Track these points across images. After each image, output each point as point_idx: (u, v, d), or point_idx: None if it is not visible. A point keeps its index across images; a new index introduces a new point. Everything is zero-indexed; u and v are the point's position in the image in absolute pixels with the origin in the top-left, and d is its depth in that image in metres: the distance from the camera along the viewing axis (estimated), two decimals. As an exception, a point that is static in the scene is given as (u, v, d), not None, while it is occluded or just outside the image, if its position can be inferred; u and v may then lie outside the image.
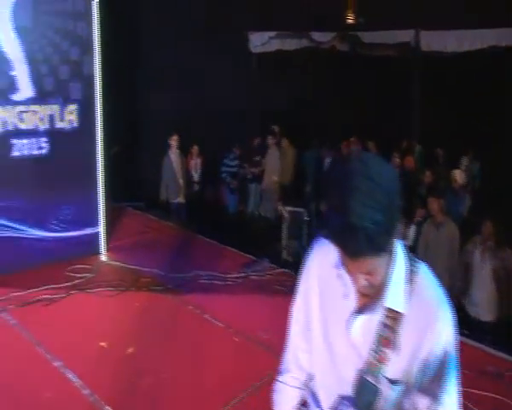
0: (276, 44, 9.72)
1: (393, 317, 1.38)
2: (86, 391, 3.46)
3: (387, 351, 1.39)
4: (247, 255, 5.84)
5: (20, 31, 4.96)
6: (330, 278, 1.47)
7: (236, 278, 5.23)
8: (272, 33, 9.60)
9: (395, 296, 1.38)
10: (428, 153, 8.38)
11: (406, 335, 1.38)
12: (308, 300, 1.56)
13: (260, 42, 9.63)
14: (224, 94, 7.97)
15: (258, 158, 7.95)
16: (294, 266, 5.72)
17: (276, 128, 8.53)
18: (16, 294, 4.67)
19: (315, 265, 1.56)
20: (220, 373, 3.69)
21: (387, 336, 1.39)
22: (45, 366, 3.73)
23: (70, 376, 3.61)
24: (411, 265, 1.41)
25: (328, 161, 8.27)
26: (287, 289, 4.90)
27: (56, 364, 3.74)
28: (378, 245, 1.25)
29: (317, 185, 7.70)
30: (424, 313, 1.38)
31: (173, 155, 7.00)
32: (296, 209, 6.87)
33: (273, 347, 3.84)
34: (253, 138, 8.28)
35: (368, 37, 8.99)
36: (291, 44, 9.71)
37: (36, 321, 4.30)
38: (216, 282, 5.11)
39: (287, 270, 5.49)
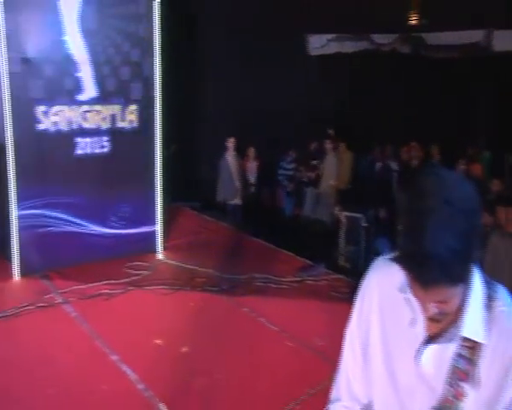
0: (334, 47, 9.61)
1: (471, 347, 1.23)
2: (141, 386, 3.49)
3: (465, 386, 1.24)
4: (303, 259, 5.75)
5: (86, 33, 5.15)
6: (394, 303, 1.33)
7: (291, 281, 5.15)
8: (331, 36, 9.50)
9: (472, 325, 1.23)
10: (497, 159, 7.94)
11: (487, 368, 1.23)
12: (366, 324, 1.42)
13: (319, 44, 9.56)
14: (282, 96, 7.94)
15: (315, 162, 7.86)
16: (351, 272, 5.59)
17: (332, 132, 8.41)
18: (77, 287, 4.84)
19: (375, 286, 1.42)
20: (273, 378, 3.63)
21: (465, 369, 1.24)
22: (103, 359, 3.81)
23: (126, 370, 3.66)
24: (489, 289, 1.26)
25: (379, 165, 8.04)
26: (343, 295, 4.79)
27: (113, 358, 3.81)
28: (454, 275, 1.12)
29: (374, 191, 7.49)
30: (508, 344, 1.22)
31: (230, 156, 7.05)
32: (354, 215, 6.69)
33: (328, 355, 3.74)
34: (309, 142, 8.20)
35: (432, 38, 8.68)
36: (350, 47, 9.57)
37: (95, 315, 4.43)
38: (271, 285, 5.05)
39: (343, 276, 5.35)
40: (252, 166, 7.57)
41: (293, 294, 4.91)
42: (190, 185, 7.49)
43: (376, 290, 1.40)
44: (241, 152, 7.35)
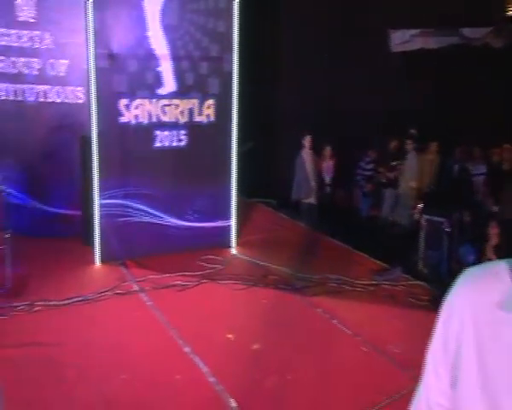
0: (418, 42, 9.20)
1: None
2: (212, 379, 3.50)
3: None
4: (379, 262, 5.54)
5: (167, 29, 5.30)
6: (495, 323, 1.15)
7: (367, 284, 4.98)
8: (415, 31, 9.11)
9: None
10: None
11: None
12: (456, 346, 1.23)
13: (401, 40, 9.20)
14: (361, 94, 7.73)
15: (395, 163, 7.56)
16: (431, 279, 5.30)
17: (414, 132, 8.05)
18: (153, 276, 4.98)
19: (466, 303, 1.22)
20: (345, 383, 3.51)
21: None
22: (176, 350, 3.87)
23: (198, 362, 3.70)
24: None
25: (457, 167, 7.56)
26: (421, 303, 4.58)
27: (186, 349, 3.86)
28: None
29: (456, 194, 7.06)
30: None
31: (306, 155, 6.97)
32: (436, 218, 6.33)
33: (404, 364, 3.58)
34: (389, 141, 7.90)
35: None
36: (436, 42, 9.12)
37: (169, 305, 4.52)
38: (345, 287, 4.91)
39: (422, 282, 5.09)
40: (328, 165, 7.43)
41: (369, 297, 4.76)
42: (266, 182, 7.48)
43: (468, 308, 1.22)
44: (317, 151, 7.23)
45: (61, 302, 4.44)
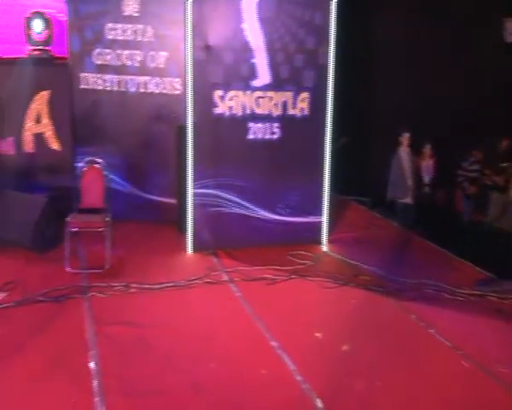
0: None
1: None
2: (299, 378, 3.45)
3: None
4: (484, 272, 5.15)
5: (263, 21, 5.33)
6: None
7: (469, 294, 4.65)
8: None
9: None
10: None
11: None
12: None
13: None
14: (467, 90, 7.24)
15: (505, 165, 6.99)
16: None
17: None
18: (243, 268, 5.05)
19: None
20: (440, 397, 3.29)
21: None
22: (263, 343, 3.87)
23: (285, 359, 3.66)
24: None
25: None
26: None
27: (273, 343, 3.85)
28: None
29: None
30: None
31: (403, 153, 6.68)
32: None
33: (513, 387, 3.25)
34: (499, 141, 7.32)
35: None
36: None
37: (258, 297, 4.54)
38: (443, 294, 4.63)
39: (536, 298, 4.65)
40: (427, 164, 7.05)
41: (471, 308, 4.44)
42: (359, 180, 7.29)
43: None
44: (415, 149, 6.90)
45: (154, 286, 4.65)
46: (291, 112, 5.52)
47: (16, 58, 5.93)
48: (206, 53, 5.22)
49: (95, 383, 3.35)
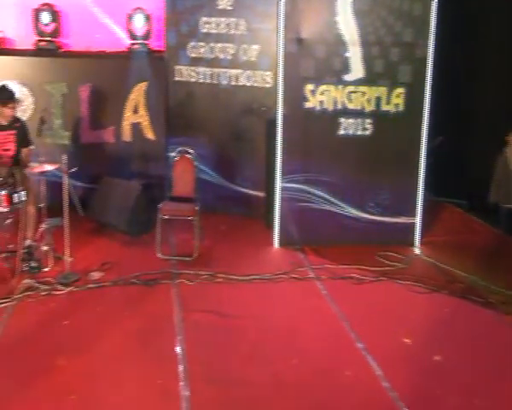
0: None
1: None
2: (386, 384, 3.32)
3: None
4: None
5: (358, 13, 5.16)
6: None
7: None
8: None
9: None
10: None
11: None
12: None
13: None
14: None
15: None
16: None
17: None
18: (329, 266, 4.96)
19: None
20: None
21: None
22: (348, 344, 3.78)
23: (371, 362, 3.54)
24: None
25: None
26: None
27: (359, 345, 3.74)
28: None
29: None
30: None
31: (510, 154, 6.21)
32: None
33: None
34: None
35: None
36: None
37: (344, 297, 4.45)
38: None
39: None
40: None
41: None
42: (457, 181, 6.88)
43: None
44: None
45: (241, 277, 4.70)
46: (385, 108, 5.31)
47: (118, 52, 6.24)
48: (297, 46, 5.16)
49: (180, 367, 3.45)
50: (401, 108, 5.31)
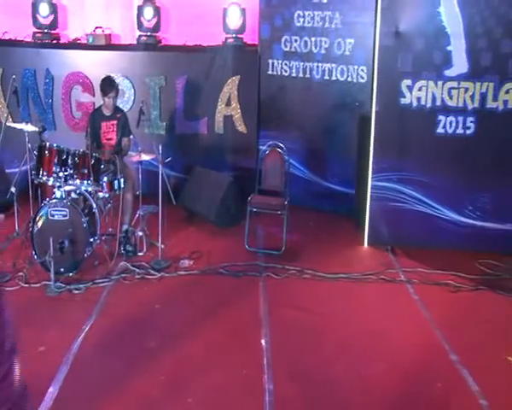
0: None
1: None
2: (483, 402, 3.10)
3: None
4: None
5: (463, 3, 4.80)
6: None
7: None
8: None
9: None
10: None
11: None
12: None
13: None
14: None
15: None
16: None
17: None
18: (422, 270, 4.73)
19: None
20: None
21: None
22: (440, 354, 3.59)
23: (467, 377, 3.33)
24: None
25: None
26: None
27: (453, 357, 3.53)
28: None
29: None
30: None
31: None
32: None
33: None
34: None
35: None
36: None
37: (437, 304, 4.22)
38: None
39: None
40: None
41: None
42: None
43: None
44: None
45: (328, 275, 4.63)
46: (490, 105, 4.92)
47: (213, 46, 6.36)
48: (395, 39, 4.93)
49: (265, 360, 3.46)
50: (510, 105, 4.90)
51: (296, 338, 3.73)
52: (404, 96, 4.99)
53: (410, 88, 4.98)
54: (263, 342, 3.65)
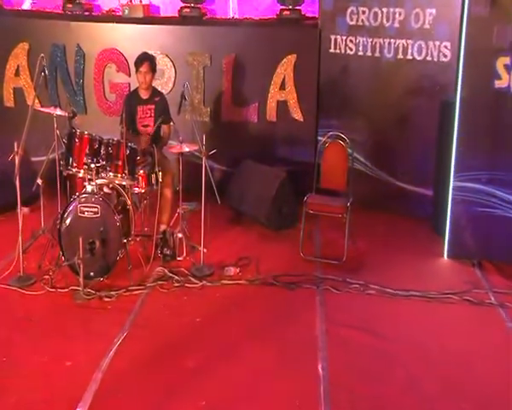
0: None
1: None
2: None
3: None
4: None
5: None
6: None
7: None
8: None
9: None
10: None
11: None
12: None
13: None
14: None
15: None
16: None
17: None
18: (518, 290, 4.63)
19: None
20: None
21: None
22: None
23: None
24: None
25: None
26: None
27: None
28: None
29: None
30: None
31: None
32: None
33: None
34: None
35: None
36: None
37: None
38: None
39: None
40: None
41: None
42: None
43: None
44: None
45: (399, 292, 4.54)
46: None
47: (265, 19, 6.36)
48: (489, 8, 4.75)
49: (321, 389, 3.41)
50: None
51: (359, 365, 3.67)
52: (500, 78, 4.81)
53: (508, 68, 4.78)
54: (319, 367, 3.61)
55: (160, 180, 4.82)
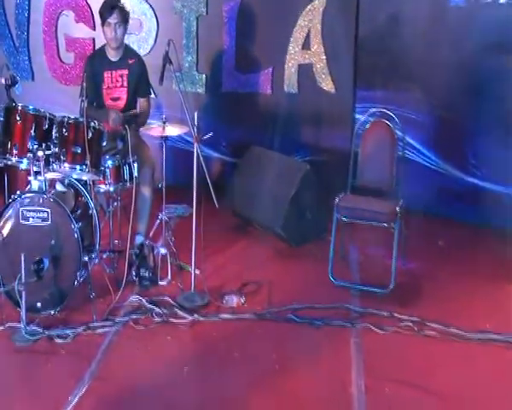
0: None
1: None
2: None
3: None
4: None
5: None
6: None
7: None
8: None
9: None
10: None
11: None
12: None
13: None
14: None
15: None
16: None
17: None
18: None
19: None
20: None
21: None
22: None
23: None
24: None
25: None
26: None
27: None
28: None
29: None
30: None
31: None
32: None
33: None
34: None
35: None
36: None
37: None
38: None
39: None
40: None
41: None
42: None
43: None
44: None
45: (469, 334, 4.44)
46: None
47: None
48: None
49: None
50: None
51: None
52: None
53: None
54: (358, 438, 3.56)
55: (136, 174, 4.81)
